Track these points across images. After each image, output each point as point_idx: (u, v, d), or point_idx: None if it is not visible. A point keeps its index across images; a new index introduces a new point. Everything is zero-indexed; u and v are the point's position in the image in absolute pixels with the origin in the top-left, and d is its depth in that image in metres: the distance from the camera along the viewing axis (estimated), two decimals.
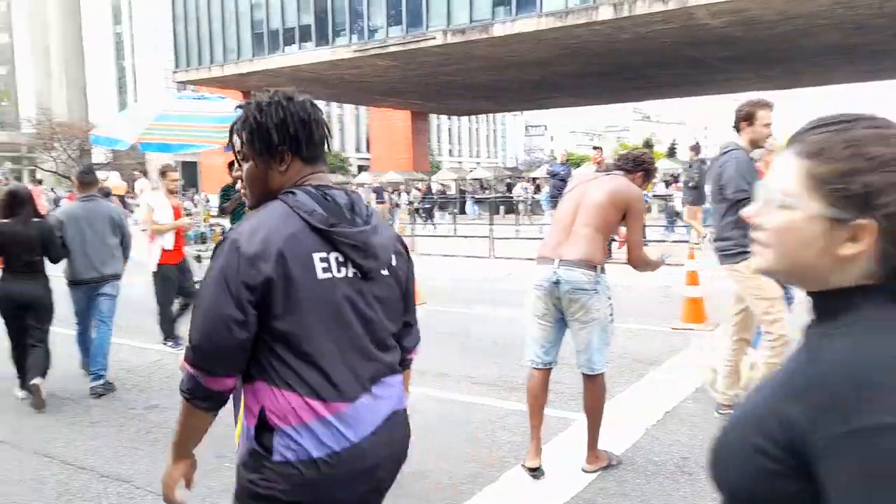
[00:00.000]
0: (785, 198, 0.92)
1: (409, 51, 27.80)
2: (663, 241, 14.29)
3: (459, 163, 77.36)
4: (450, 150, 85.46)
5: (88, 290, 5.67)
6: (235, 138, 1.73)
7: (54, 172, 51.40)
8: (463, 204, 30.61)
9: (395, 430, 1.72)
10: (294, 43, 31.47)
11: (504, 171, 49.46)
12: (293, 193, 1.65)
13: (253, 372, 1.61)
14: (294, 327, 1.58)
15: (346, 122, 77.51)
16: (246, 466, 1.61)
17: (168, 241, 6.86)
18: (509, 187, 36.13)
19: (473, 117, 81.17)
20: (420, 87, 34.53)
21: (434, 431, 4.39)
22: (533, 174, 37.79)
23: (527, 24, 24.10)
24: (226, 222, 9.58)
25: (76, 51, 69.72)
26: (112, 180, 18.14)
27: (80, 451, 4.25)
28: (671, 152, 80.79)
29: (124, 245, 5.92)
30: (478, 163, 73.43)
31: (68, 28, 70.07)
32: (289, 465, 1.55)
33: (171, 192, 7.19)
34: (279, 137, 1.67)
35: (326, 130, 1.75)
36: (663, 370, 5.68)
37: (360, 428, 1.61)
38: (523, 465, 3.71)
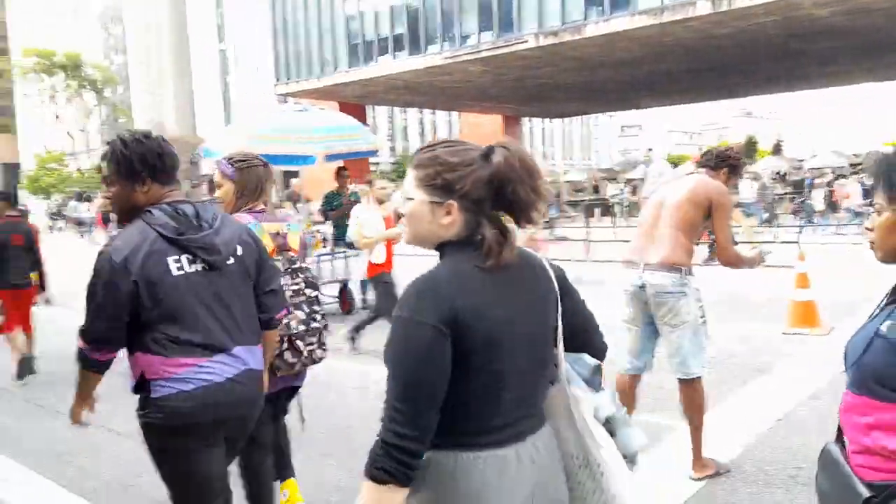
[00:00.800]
0: (407, 194, 1.54)
1: (501, 55, 27.81)
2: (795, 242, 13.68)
3: (553, 165, 76.71)
4: (543, 153, 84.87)
5: None
6: (104, 166, 2.27)
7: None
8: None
9: (245, 382, 2.33)
10: (388, 52, 32.09)
11: (598, 173, 48.65)
12: (150, 212, 2.25)
13: (134, 345, 2.23)
14: (161, 313, 2.18)
15: (438, 128, 78.35)
16: (138, 409, 2.26)
17: (378, 255, 6.55)
18: (596, 189, 35.51)
19: (566, 119, 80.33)
20: (512, 91, 34.47)
21: None
22: (628, 175, 37.03)
23: (620, 23, 23.64)
24: (327, 228, 9.92)
25: (184, 68, 73.66)
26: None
27: None
28: (776, 149, 77.14)
29: None
30: (571, 165, 72.64)
31: (177, 47, 74.14)
32: (163, 399, 2.19)
33: (379, 201, 6.84)
34: (140, 166, 2.24)
35: (175, 160, 2.34)
36: (774, 376, 5.46)
37: (213, 377, 2.23)
38: None
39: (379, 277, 6.56)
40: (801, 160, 43.89)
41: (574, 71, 29.78)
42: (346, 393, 5.53)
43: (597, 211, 27.13)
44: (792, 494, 3.43)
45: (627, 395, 3.69)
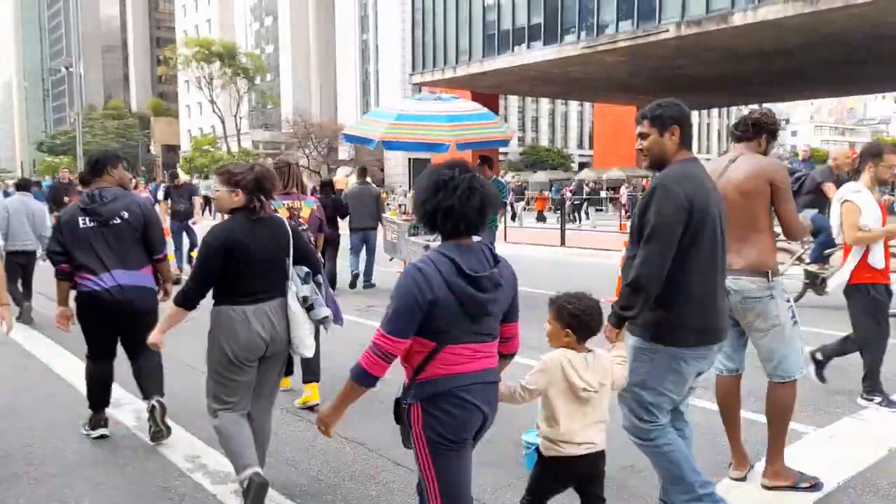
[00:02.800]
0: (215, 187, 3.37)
1: (640, 45, 27.04)
2: None
3: None
4: None
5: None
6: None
7: (306, 167, 57.06)
8: None
9: (129, 291, 4.16)
10: (523, 42, 32.03)
11: None
12: (80, 193, 5.03)
13: (71, 264, 4.16)
14: (76, 249, 4.13)
15: (569, 119, 77.23)
16: (75, 300, 4.19)
17: (877, 257, 4.66)
18: None
19: (704, 112, 76.84)
20: (649, 82, 33.45)
21: None
22: None
23: (771, 10, 22.31)
24: None
25: (329, 58, 76.84)
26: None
27: None
28: None
29: None
30: (707, 158, 69.40)
31: (323, 37, 77.44)
32: (82, 293, 4.15)
33: (881, 182, 4.81)
34: (91, 170, 4.37)
35: (103, 162, 4.35)
36: None
37: (108, 284, 4.13)
38: (729, 476, 3.57)
39: (870, 288, 4.72)
40: None
41: (716, 62, 28.46)
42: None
43: None
44: None
45: (732, 395, 3.57)
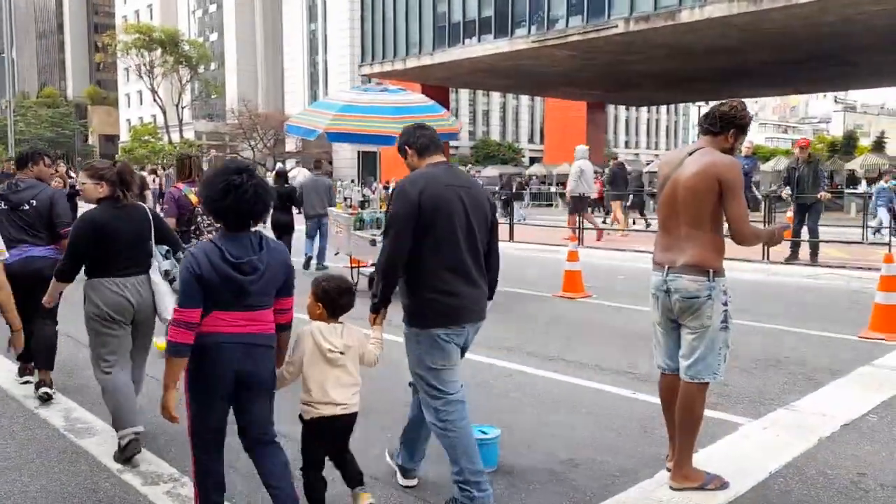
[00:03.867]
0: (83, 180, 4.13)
1: (589, 40, 27.31)
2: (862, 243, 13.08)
3: (636, 155, 74.99)
4: (626, 142, 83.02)
5: None
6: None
7: (251, 160, 56.13)
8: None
9: (28, 262, 4.71)
10: (474, 35, 32.03)
11: None
12: (2, 184, 5.84)
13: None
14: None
15: (520, 113, 77.71)
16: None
17: None
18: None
19: (653, 108, 78.19)
20: (598, 77, 33.86)
21: (593, 422, 4.40)
22: None
23: (717, 8, 22.77)
24: None
25: (276, 47, 75.57)
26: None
27: None
28: (878, 145, 72.88)
29: None
30: (656, 155, 70.78)
31: (270, 26, 76.12)
32: (5, 265, 3.69)
33: None
34: (20, 163, 5.32)
35: (22, 159, 5.30)
36: (846, 381, 5.26)
37: (13, 259, 4.31)
38: (665, 467, 3.58)
39: None
40: None
41: (664, 59, 28.95)
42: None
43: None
44: (851, 500, 3.33)
45: (674, 392, 3.50)
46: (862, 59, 28.27)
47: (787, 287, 9.68)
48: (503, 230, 16.28)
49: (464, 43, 32.40)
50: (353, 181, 25.12)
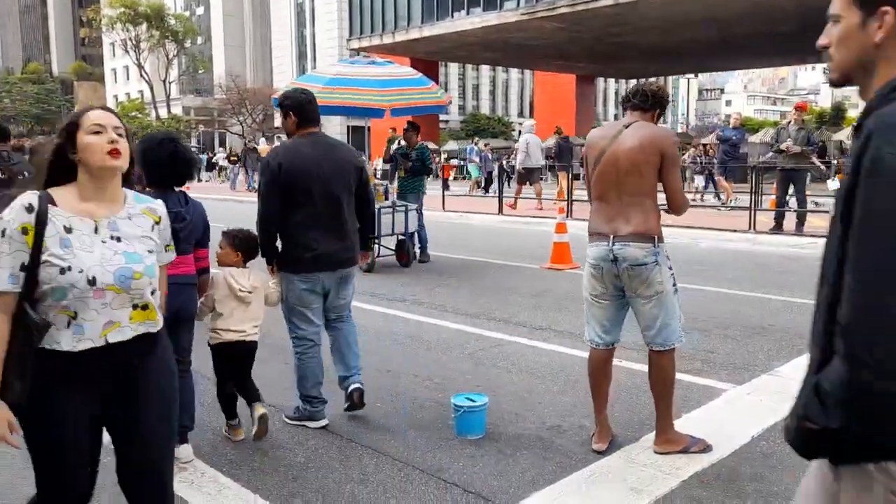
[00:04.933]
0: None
1: (578, 12, 27.09)
2: None
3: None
4: (615, 115, 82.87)
5: None
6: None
7: (240, 135, 55.69)
8: None
9: None
10: (463, 8, 31.71)
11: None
12: None
13: None
14: None
15: (510, 87, 77.31)
16: None
17: None
18: None
19: (642, 81, 77.80)
20: (587, 50, 33.67)
21: (580, 390, 4.45)
22: (705, 140, 35.87)
23: None
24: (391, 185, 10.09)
25: (264, 21, 74.62)
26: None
27: None
28: None
29: None
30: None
31: (257, 0, 75.07)
32: None
33: None
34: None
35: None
36: None
37: None
38: (592, 448, 3.58)
39: None
40: None
41: (654, 30, 28.79)
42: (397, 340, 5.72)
43: None
44: None
45: (603, 369, 3.59)
46: None
47: (772, 256, 9.76)
48: (493, 204, 16.35)
49: (452, 16, 32.08)
50: None
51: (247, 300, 3.68)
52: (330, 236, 3.85)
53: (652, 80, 3.68)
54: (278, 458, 3.57)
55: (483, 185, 25.17)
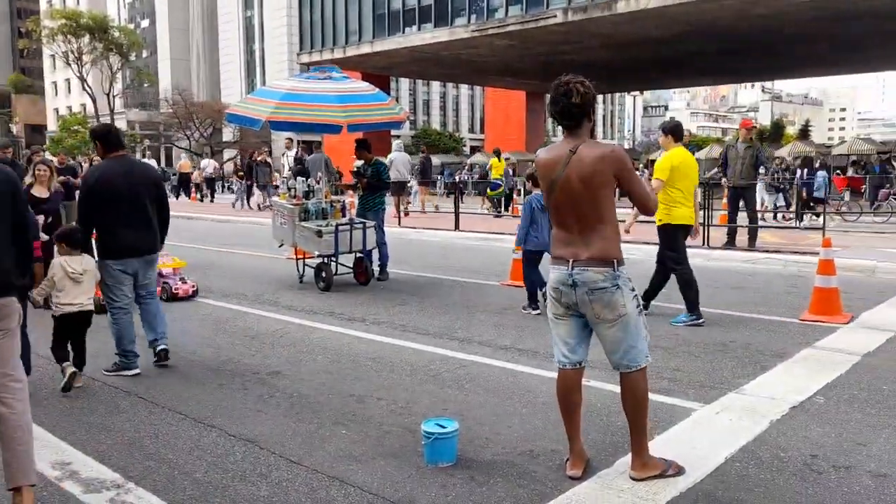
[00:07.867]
0: None
1: (528, 30, 27.45)
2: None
3: None
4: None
5: None
6: None
7: (188, 150, 54.56)
8: None
9: None
10: (414, 24, 31.79)
11: None
12: None
13: None
14: None
15: (461, 103, 77.73)
16: None
17: None
18: None
19: (557, 82, 79.10)
20: (537, 67, 34.07)
21: (549, 412, 4.37)
22: (652, 156, 36.60)
23: None
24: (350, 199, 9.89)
25: (211, 35, 73.49)
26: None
27: (208, 409, 4.54)
28: (804, 134, 75.71)
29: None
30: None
31: (206, 13, 73.92)
32: None
33: None
34: None
35: None
36: (791, 364, 5.39)
37: None
38: (566, 474, 3.49)
39: None
40: (829, 146, 43.01)
41: (601, 48, 29.34)
42: (360, 363, 5.56)
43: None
44: (806, 483, 3.39)
45: (574, 390, 3.50)
46: (790, 51, 29.23)
47: (726, 272, 9.90)
48: (450, 220, 16.31)
49: (403, 31, 32.14)
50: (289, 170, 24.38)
51: (79, 280, 4.96)
52: (134, 231, 5.28)
53: (566, 77, 3.31)
54: (240, 492, 3.38)
55: (500, 203, 20.95)
